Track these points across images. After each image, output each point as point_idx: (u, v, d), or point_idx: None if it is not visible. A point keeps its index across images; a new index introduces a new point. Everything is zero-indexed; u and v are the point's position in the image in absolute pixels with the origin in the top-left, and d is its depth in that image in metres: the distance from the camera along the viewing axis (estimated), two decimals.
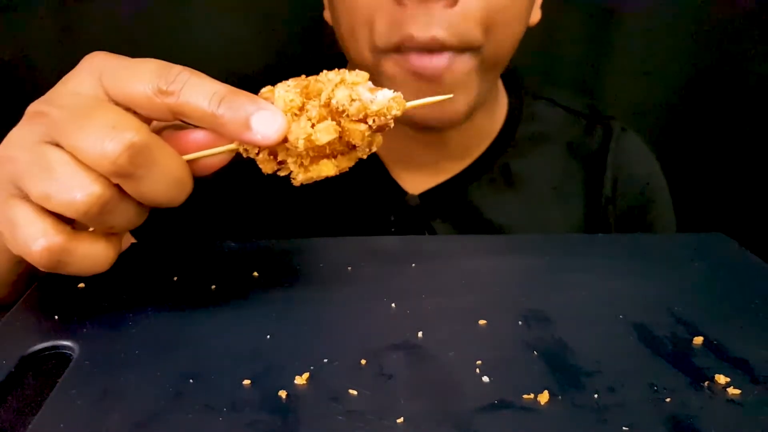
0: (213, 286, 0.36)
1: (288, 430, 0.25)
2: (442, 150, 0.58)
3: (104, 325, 0.32)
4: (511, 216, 0.59)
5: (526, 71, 0.65)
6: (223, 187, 0.57)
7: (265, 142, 0.30)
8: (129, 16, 0.70)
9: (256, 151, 0.32)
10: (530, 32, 0.53)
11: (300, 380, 0.28)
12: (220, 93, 0.30)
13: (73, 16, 0.70)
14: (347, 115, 0.30)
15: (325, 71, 0.32)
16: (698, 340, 0.32)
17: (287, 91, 0.31)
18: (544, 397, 0.27)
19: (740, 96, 0.80)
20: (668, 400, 0.27)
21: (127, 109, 0.30)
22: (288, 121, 0.30)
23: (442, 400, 0.27)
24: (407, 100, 0.31)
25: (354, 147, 0.32)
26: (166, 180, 0.30)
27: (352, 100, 0.30)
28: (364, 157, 0.32)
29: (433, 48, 0.46)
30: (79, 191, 0.28)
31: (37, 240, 0.29)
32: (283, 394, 0.27)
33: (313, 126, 0.30)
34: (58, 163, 0.29)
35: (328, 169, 0.32)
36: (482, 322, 0.33)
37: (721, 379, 0.28)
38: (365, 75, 0.31)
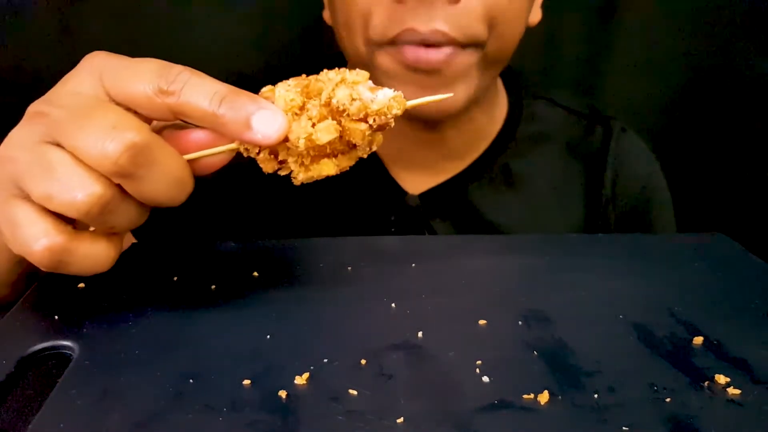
0: (213, 286, 0.36)
1: (288, 430, 0.25)
2: (442, 150, 0.58)
3: (104, 325, 0.32)
4: (511, 216, 0.59)
5: (526, 71, 0.65)
6: (223, 187, 0.57)
7: (266, 141, 0.30)
8: (129, 16, 0.70)
9: (257, 151, 0.32)
10: (530, 32, 0.53)
11: (300, 380, 0.28)
12: (220, 93, 0.30)
13: (73, 17, 0.70)
14: (348, 115, 0.30)
15: (325, 70, 0.32)
16: (698, 340, 0.32)
17: (288, 90, 0.31)
18: (544, 397, 0.27)
19: (740, 95, 0.80)
20: (668, 400, 0.27)
21: (128, 109, 0.30)
22: (288, 121, 0.30)
23: (442, 400, 0.27)
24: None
25: (354, 146, 0.32)
26: (167, 180, 0.30)
27: (353, 99, 0.30)
28: (365, 156, 0.32)
29: (434, 41, 0.46)
30: (80, 191, 0.28)
31: (39, 240, 0.29)
32: (283, 394, 0.27)
33: (313, 125, 0.30)
34: (59, 163, 0.29)
35: (328, 168, 0.32)
36: (482, 322, 0.33)
37: (721, 379, 0.28)
38: (365, 74, 0.31)
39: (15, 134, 0.31)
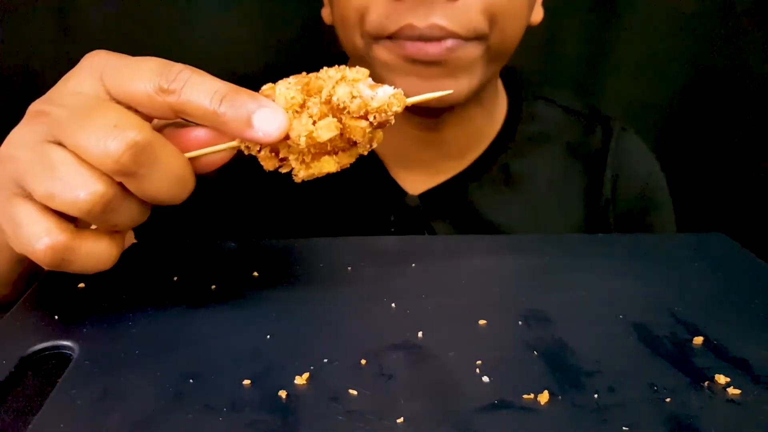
0: (213, 286, 0.36)
1: (288, 430, 0.25)
2: (441, 150, 0.58)
3: (104, 325, 0.32)
4: (511, 216, 0.59)
5: (526, 70, 0.65)
6: (223, 187, 0.57)
7: (267, 139, 0.30)
8: (129, 16, 0.70)
9: (258, 149, 0.32)
10: (530, 32, 0.54)
11: (300, 380, 0.28)
12: (221, 91, 0.30)
13: (73, 17, 0.70)
14: (348, 112, 0.30)
15: (325, 68, 0.32)
16: (698, 340, 0.32)
17: (288, 88, 0.31)
18: (544, 397, 0.27)
19: (740, 96, 0.80)
20: (668, 400, 0.27)
21: (129, 107, 0.30)
22: (289, 119, 0.30)
23: (442, 400, 0.27)
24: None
25: (355, 143, 0.32)
26: (169, 178, 0.30)
27: (353, 97, 0.30)
28: (365, 153, 0.33)
29: (433, 35, 0.46)
30: (82, 190, 0.29)
31: (41, 239, 0.29)
32: (283, 394, 0.27)
33: (314, 123, 0.30)
34: (61, 162, 0.29)
35: (329, 165, 0.32)
36: (482, 322, 0.33)
37: (721, 379, 0.28)
38: (365, 72, 0.31)
39: (16, 134, 0.31)
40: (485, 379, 0.28)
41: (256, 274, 0.38)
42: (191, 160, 0.31)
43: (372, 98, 0.30)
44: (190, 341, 0.31)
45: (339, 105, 0.30)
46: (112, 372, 0.28)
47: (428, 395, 0.27)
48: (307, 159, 0.32)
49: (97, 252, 0.31)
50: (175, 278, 0.37)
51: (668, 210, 0.65)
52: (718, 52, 0.79)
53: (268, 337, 0.31)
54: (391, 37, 0.47)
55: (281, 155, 0.32)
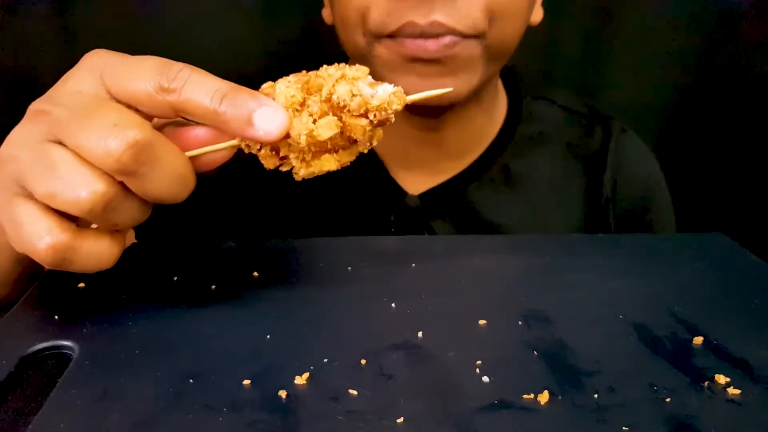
0: (213, 286, 0.36)
1: (288, 430, 0.25)
2: (441, 150, 0.58)
3: (104, 325, 0.32)
4: (511, 216, 0.59)
5: (526, 71, 0.65)
6: (223, 186, 0.57)
7: (268, 138, 0.30)
8: (129, 16, 0.70)
9: (258, 147, 0.32)
10: (530, 32, 0.54)
11: (300, 380, 0.28)
12: (221, 90, 0.30)
13: (73, 17, 0.70)
14: (348, 110, 0.31)
15: (325, 66, 0.32)
16: (698, 340, 0.32)
17: (288, 86, 0.31)
18: (544, 397, 0.27)
19: (740, 96, 0.80)
20: (668, 400, 0.27)
21: (129, 106, 0.30)
22: (290, 117, 0.30)
23: (442, 400, 0.27)
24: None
25: (355, 141, 0.32)
26: (170, 177, 0.30)
27: (353, 95, 0.30)
28: (365, 151, 0.33)
29: (433, 32, 0.46)
30: (83, 189, 0.29)
31: (43, 238, 0.29)
32: (283, 394, 0.27)
33: (314, 121, 0.30)
34: (62, 161, 0.29)
35: (329, 163, 0.32)
36: (482, 322, 0.33)
37: (721, 379, 0.28)
38: (365, 70, 0.31)
39: (16, 133, 0.31)
40: (485, 379, 0.28)
41: (256, 274, 0.38)
42: (192, 158, 0.31)
43: (372, 96, 0.30)
44: (190, 341, 0.31)
45: (339, 103, 0.30)
46: (112, 372, 0.28)
47: (428, 395, 0.27)
48: (308, 157, 0.32)
49: (98, 251, 0.31)
50: (175, 278, 0.37)
51: (668, 210, 0.65)
52: (718, 52, 0.79)
53: (268, 337, 0.31)
54: (391, 36, 0.47)
55: (281, 154, 0.32)
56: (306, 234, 0.45)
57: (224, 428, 0.25)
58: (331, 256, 0.40)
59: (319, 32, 0.72)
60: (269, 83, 0.32)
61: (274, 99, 0.31)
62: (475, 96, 0.53)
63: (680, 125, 0.82)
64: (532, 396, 0.27)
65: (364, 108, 0.30)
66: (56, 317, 0.33)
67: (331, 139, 0.31)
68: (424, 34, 0.46)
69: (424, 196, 0.58)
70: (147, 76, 0.30)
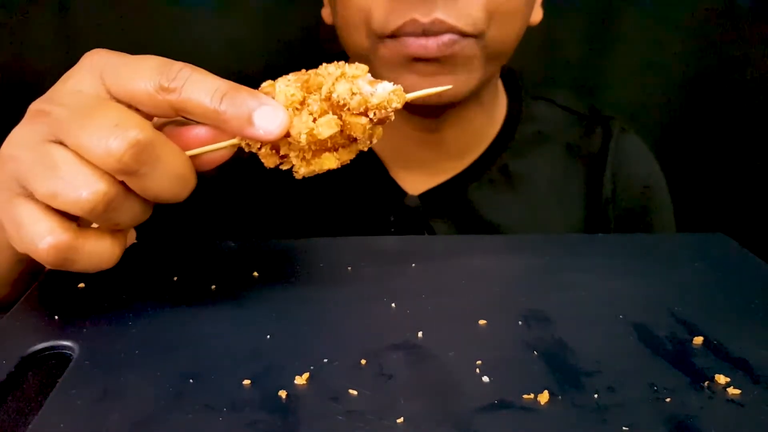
0: (213, 286, 0.36)
1: (288, 430, 0.25)
2: (441, 150, 0.58)
3: (104, 325, 0.32)
4: (511, 216, 0.59)
5: (526, 71, 0.65)
6: (224, 186, 0.57)
7: (268, 137, 0.30)
8: (129, 16, 0.70)
9: (258, 146, 0.32)
10: (530, 32, 0.54)
11: (300, 380, 0.28)
12: (221, 89, 0.30)
13: (73, 17, 0.70)
14: (348, 109, 0.31)
15: (324, 64, 0.32)
16: (698, 340, 0.32)
17: (288, 85, 0.31)
18: (544, 397, 0.27)
19: (740, 96, 0.80)
20: (668, 400, 0.27)
21: (129, 106, 0.30)
22: (290, 116, 0.30)
23: (442, 400, 0.27)
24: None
25: (355, 140, 0.32)
26: (170, 176, 0.30)
27: (353, 93, 0.30)
28: (365, 149, 0.33)
29: (435, 30, 0.46)
30: (84, 189, 0.29)
31: (44, 238, 0.29)
32: (283, 394, 0.27)
33: (314, 120, 0.30)
34: (63, 161, 0.29)
35: (329, 162, 0.32)
36: (482, 322, 0.33)
37: (721, 379, 0.28)
38: (365, 68, 0.31)
39: (17, 133, 0.31)
40: (485, 379, 0.28)
41: (256, 274, 0.38)
42: (192, 158, 0.31)
43: (372, 95, 0.30)
44: (190, 341, 0.31)
45: (339, 102, 0.30)
46: (112, 372, 0.28)
47: (428, 395, 0.27)
48: (308, 156, 0.32)
49: (99, 251, 0.31)
50: (175, 278, 0.37)
51: (668, 210, 0.65)
52: (718, 52, 0.79)
53: (268, 337, 0.31)
54: (393, 36, 0.47)
55: (282, 152, 0.32)
56: (306, 234, 0.45)
57: (224, 428, 0.25)
58: (331, 256, 0.40)
59: (318, 32, 0.72)
60: (269, 82, 0.32)
61: (273, 98, 0.31)
62: (475, 96, 0.53)
63: (680, 125, 0.82)
64: (532, 396, 0.27)
65: (364, 106, 0.30)
66: (56, 317, 0.33)
67: (331, 137, 0.31)
68: (426, 32, 0.46)
69: (424, 196, 0.58)
70: (147, 75, 0.30)
